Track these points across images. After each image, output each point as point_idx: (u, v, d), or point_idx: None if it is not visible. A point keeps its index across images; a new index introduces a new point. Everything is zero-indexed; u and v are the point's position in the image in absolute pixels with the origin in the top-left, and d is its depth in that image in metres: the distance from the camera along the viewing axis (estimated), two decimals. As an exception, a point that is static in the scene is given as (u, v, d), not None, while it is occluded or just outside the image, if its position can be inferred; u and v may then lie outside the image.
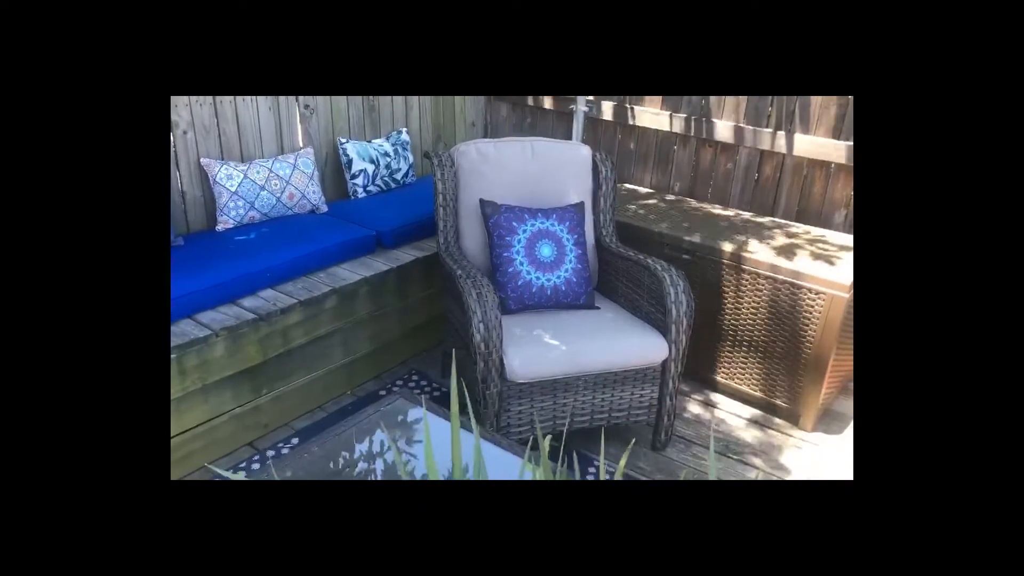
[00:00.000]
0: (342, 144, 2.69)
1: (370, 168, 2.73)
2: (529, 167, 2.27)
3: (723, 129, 2.83)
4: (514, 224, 2.12)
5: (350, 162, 2.69)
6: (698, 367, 2.52)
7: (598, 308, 2.19)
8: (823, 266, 2.15)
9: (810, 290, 2.13)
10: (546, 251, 2.12)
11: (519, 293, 2.08)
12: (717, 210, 2.74)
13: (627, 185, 3.12)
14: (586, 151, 2.35)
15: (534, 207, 2.22)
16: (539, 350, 1.87)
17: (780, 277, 2.18)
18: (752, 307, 2.29)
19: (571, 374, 1.91)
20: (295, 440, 2.08)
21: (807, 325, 2.16)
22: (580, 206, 2.24)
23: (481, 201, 2.16)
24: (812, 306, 2.13)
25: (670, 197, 2.92)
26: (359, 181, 2.72)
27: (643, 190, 3.03)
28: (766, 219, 2.64)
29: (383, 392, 2.37)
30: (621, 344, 1.95)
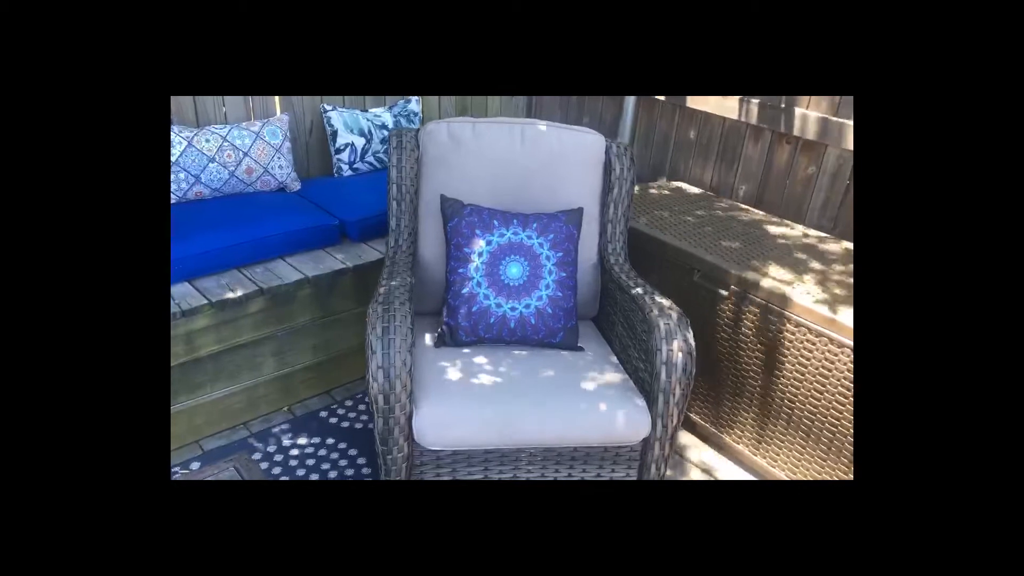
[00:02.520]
0: (326, 112, 2.30)
1: (359, 142, 2.33)
2: (516, 158, 1.76)
3: (807, 121, 2.15)
4: (477, 232, 1.63)
5: (335, 133, 2.30)
6: (717, 428, 1.93)
7: (581, 350, 1.68)
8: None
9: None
10: (514, 271, 1.62)
11: (473, 322, 1.61)
12: (785, 227, 2.10)
13: (679, 184, 2.51)
14: (597, 140, 1.80)
15: (514, 210, 1.72)
16: (463, 409, 1.40)
17: (840, 339, 1.56)
18: (798, 372, 1.68)
19: (506, 446, 1.43)
20: (196, 464, 1.76)
21: (871, 410, 1.53)
22: (576, 214, 1.71)
23: (442, 198, 1.69)
24: (881, 385, 1.50)
25: (725, 203, 2.29)
26: (344, 157, 2.32)
27: (695, 191, 2.42)
28: (850, 245, 1.97)
29: (324, 413, 2.00)
30: (582, 413, 1.43)
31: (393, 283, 1.53)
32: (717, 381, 1.89)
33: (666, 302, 1.51)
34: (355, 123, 2.32)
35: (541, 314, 1.62)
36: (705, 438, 2.00)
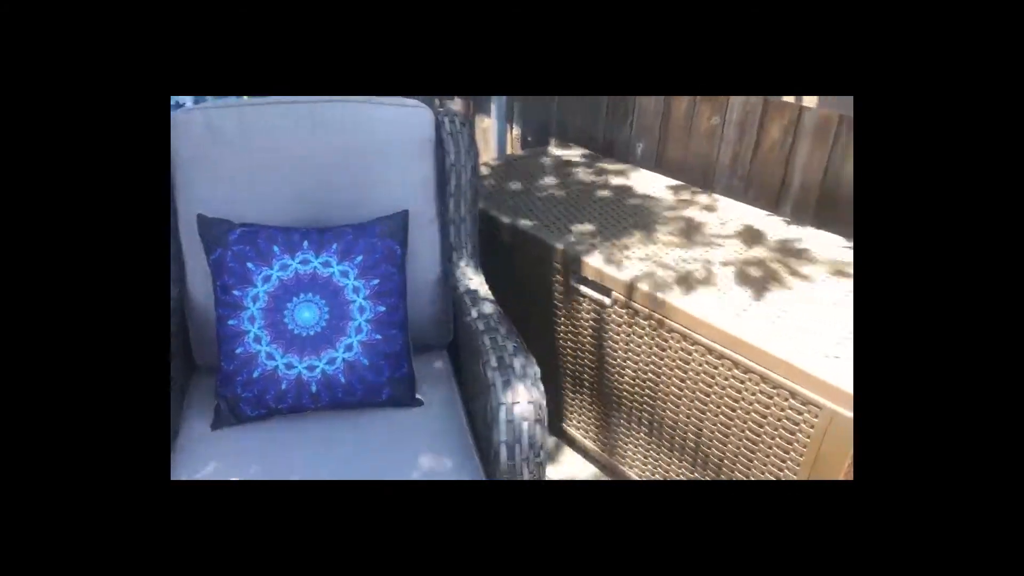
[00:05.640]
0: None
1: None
2: (307, 151, 1.29)
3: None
4: (249, 267, 1.18)
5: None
6: (601, 449, 1.57)
7: (420, 403, 1.26)
8: (823, 340, 1.12)
9: (792, 394, 1.12)
10: (307, 315, 1.18)
11: (257, 392, 1.17)
12: (690, 196, 1.69)
13: (562, 150, 2.07)
14: (421, 115, 1.34)
15: (313, 224, 1.26)
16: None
17: (740, 359, 1.18)
18: (701, 405, 1.30)
19: None
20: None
21: (782, 458, 1.17)
22: (397, 220, 1.27)
23: (199, 219, 1.21)
24: (794, 424, 1.13)
25: (615, 170, 1.86)
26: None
27: (581, 155, 1.97)
28: (765, 220, 1.58)
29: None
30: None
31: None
32: (603, 403, 1.51)
33: (511, 345, 1.10)
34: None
35: (353, 368, 1.19)
36: (587, 455, 1.64)
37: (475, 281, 1.37)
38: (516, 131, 2.38)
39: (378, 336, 1.21)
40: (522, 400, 1.01)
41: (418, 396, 1.27)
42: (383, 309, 1.22)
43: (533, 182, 1.77)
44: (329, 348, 1.18)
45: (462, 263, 1.40)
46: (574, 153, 2.00)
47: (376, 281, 1.22)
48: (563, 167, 1.88)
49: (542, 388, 1.03)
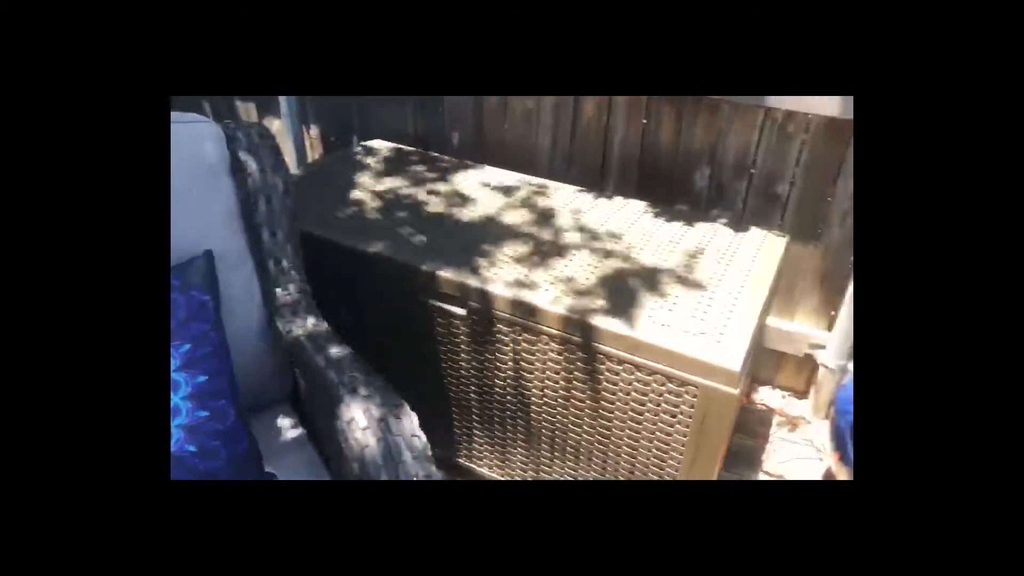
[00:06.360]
0: None
1: None
2: (56, 195, 0.98)
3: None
4: None
5: None
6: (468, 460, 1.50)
7: (271, 477, 1.06)
8: (685, 318, 1.13)
9: (668, 378, 1.11)
10: (100, 410, 0.91)
11: (45, 523, 0.88)
12: (518, 184, 1.61)
13: (366, 152, 1.88)
14: (207, 133, 1.10)
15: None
16: None
17: (611, 352, 1.14)
18: (579, 404, 1.26)
19: None
20: None
21: (666, 442, 1.17)
22: (201, 266, 1.03)
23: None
24: (674, 408, 1.13)
25: (436, 165, 1.73)
26: None
27: (393, 152, 1.82)
28: (588, 197, 1.56)
29: None
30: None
31: None
32: (479, 421, 1.42)
33: (377, 394, 0.94)
34: None
35: (180, 461, 0.95)
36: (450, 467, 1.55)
37: (310, 319, 1.17)
38: (314, 132, 2.14)
39: (203, 413, 0.97)
40: (406, 458, 0.86)
41: (268, 470, 1.06)
42: (203, 379, 0.98)
43: (352, 190, 1.58)
44: (140, 444, 0.92)
45: (290, 300, 1.19)
46: (387, 150, 1.83)
47: (187, 346, 0.98)
48: (379, 168, 1.71)
49: (424, 438, 0.90)
